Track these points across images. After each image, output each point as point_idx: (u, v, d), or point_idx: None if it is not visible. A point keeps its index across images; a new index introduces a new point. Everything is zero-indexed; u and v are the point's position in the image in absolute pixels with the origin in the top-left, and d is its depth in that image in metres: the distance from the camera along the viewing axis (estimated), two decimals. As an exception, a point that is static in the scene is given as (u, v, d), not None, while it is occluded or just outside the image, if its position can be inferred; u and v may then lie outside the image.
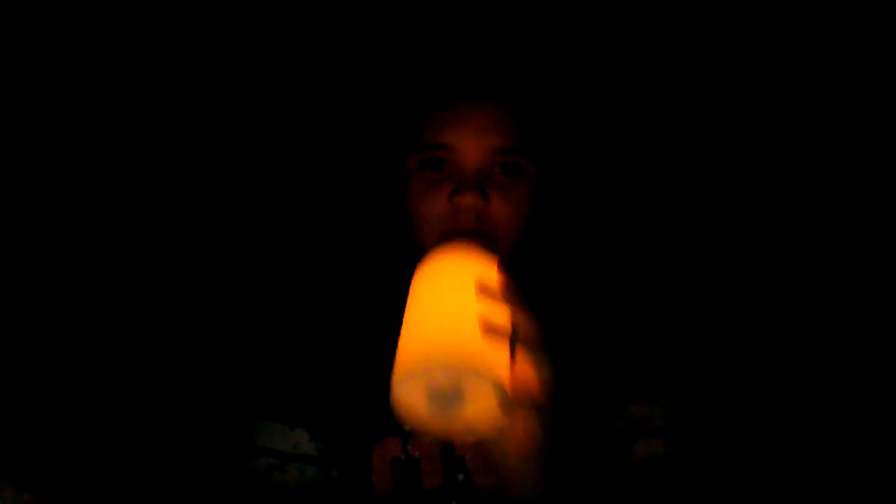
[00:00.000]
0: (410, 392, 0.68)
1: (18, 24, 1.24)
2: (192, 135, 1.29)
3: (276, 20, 1.27)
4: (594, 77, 1.26)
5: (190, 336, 1.27)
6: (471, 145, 0.94)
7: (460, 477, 0.95)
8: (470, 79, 0.98)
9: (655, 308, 1.09)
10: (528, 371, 0.71)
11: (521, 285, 0.74)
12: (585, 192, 1.23)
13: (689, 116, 1.29)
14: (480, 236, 0.93)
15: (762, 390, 1.24)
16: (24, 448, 1.17)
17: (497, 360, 0.67)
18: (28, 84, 1.25)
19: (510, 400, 0.68)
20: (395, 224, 1.01)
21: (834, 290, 1.25)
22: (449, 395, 0.67)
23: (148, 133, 1.28)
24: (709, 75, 1.27)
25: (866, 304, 1.24)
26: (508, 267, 0.77)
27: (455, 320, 0.67)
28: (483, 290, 0.71)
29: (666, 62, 1.28)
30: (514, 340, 0.70)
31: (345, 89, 1.27)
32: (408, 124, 0.99)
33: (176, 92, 1.28)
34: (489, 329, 0.69)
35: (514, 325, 0.71)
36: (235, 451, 1.00)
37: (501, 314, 0.69)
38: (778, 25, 1.25)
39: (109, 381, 1.25)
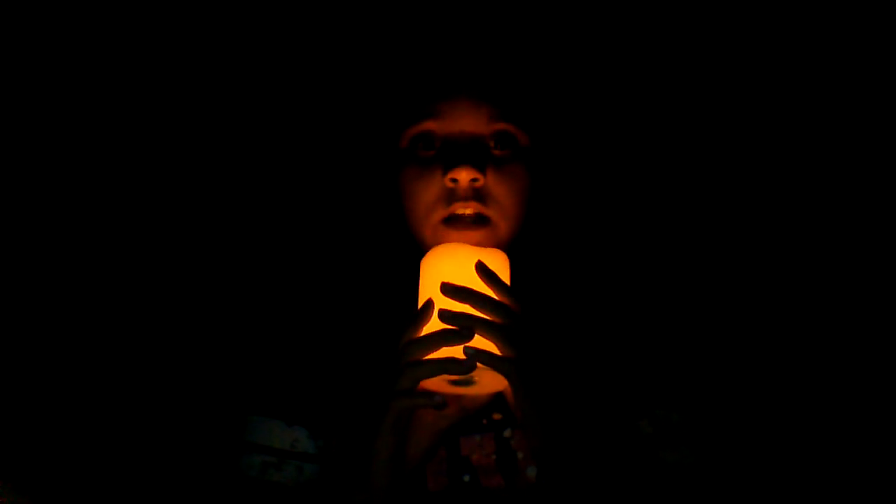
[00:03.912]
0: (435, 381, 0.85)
1: (17, 23, 1.22)
2: (176, 130, 1.27)
3: (258, 12, 1.26)
4: (583, 53, 1.23)
5: (186, 332, 1.25)
6: (462, 111, 0.92)
7: (466, 478, 0.93)
8: (457, 65, 0.95)
9: (683, 313, 1.08)
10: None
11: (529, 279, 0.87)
12: (588, 181, 1.21)
13: (688, 100, 1.26)
14: (478, 220, 0.91)
15: (789, 400, 1.22)
16: (13, 446, 1.16)
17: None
18: (27, 84, 1.24)
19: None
20: (392, 218, 0.98)
21: (861, 292, 1.23)
22: (462, 380, 0.85)
23: (136, 128, 1.27)
24: (707, 56, 1.25)
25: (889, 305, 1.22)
26: (511, 257, 0.87)
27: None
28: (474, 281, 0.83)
29: (657, 37, 1.25)
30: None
31: (332, 81, 1.25)
32: (399, 109, 0.96)
33: (156, 81, 1.26)
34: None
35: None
36: (231, 448, 0.98)
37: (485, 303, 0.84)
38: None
39: (102, 378, 1.23)
